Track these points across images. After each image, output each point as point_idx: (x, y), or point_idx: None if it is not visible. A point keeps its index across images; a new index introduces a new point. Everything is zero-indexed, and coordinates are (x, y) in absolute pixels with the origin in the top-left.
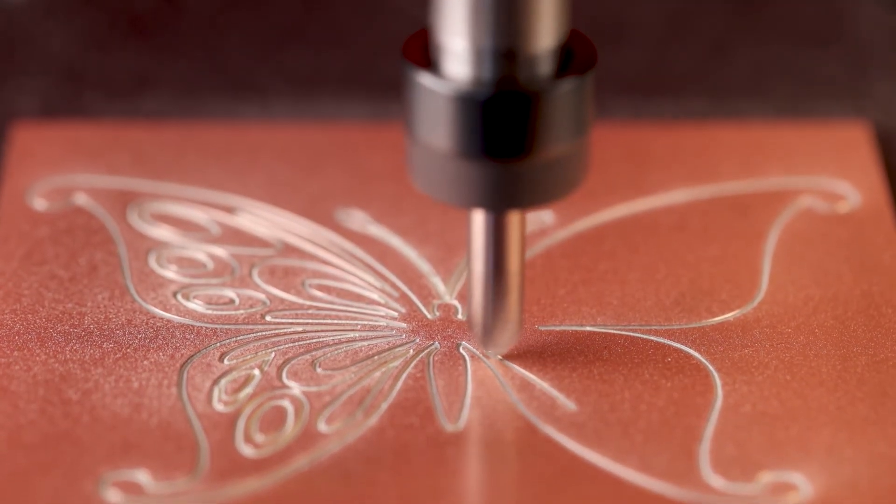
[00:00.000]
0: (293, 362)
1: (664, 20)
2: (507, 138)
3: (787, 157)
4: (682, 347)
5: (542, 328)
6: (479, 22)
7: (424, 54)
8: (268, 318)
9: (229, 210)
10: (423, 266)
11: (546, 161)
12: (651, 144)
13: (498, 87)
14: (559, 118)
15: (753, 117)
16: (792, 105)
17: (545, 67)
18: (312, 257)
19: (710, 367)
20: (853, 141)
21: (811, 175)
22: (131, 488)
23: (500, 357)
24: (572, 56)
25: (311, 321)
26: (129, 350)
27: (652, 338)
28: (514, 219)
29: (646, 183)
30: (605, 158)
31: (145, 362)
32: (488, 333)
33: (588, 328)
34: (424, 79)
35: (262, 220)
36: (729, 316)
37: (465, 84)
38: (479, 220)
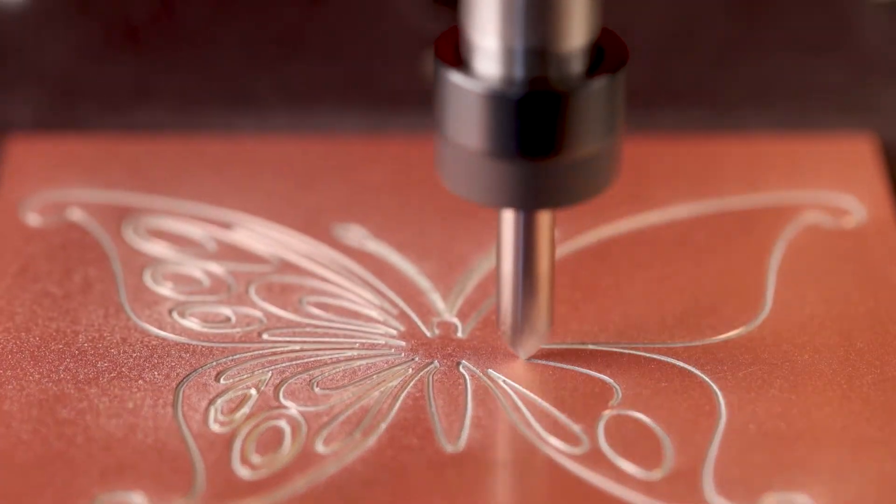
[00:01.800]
0: (290, 382)
1: (666, 31)
2: (539, 137)
3: (792, 171)
4: (686, 366)
5: (543, 346)
6: (511, 21)
7: (456, 53)
8: (265, 336)
9: (226, 225)
10: (423, 282)
11: (577, 160)
12: (653, 158)
13: (530, 85)
14: (590, 117)
15: (757, 130)
16: (796, 117)
17: (576, 66)
18: (310, 274)
19: (714, 387)
20: (858, 154)
21: (816, 189)
22: None
23: (527, 358)
24: (604, 54)
25: (308, 339)
26: (123, 369)
27: (654, 356)
28: (544, 218)
29: (648, 197)
30: None
31: (140, 381)
32: (517, 334)
33: (590, 346)
34: (456, 77)
35: (259, 235)
36: (733, 334)
37: (496, 83)
38: (509, 219)
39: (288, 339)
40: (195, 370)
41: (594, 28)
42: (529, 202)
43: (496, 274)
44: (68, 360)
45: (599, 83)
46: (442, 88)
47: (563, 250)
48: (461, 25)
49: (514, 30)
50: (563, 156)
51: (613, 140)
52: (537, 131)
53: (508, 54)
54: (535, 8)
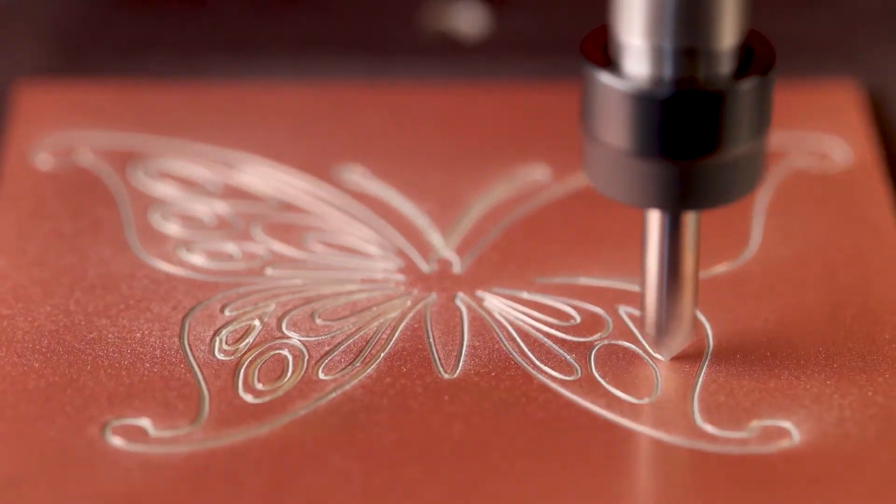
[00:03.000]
0: (293, 313)
1: None
2: (687, 138)
3: (778, 117)
4: None
5: (539, 280)
6: (661, 21)
7: (604, 52)
8: (268, 271)
9: (230, 167)
10: (421, 221)
11: (724, 161)
12: None
13: (678, 86)
14: (739, 118)
15: None
16: (782, 66)
17: (726, 67)
18: (312, 213)
19: (702, 318)
20: (844, 99)
21: (802, 132)
22: (134, 434)
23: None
24: (752, 55)
25: (310, 273)
26: (131, 302)
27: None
28: (689, 219)
29: None
30: None
31: (147, 314)
32: (661, 335)
33: (582, 280)
34: (604, 77)
35: (263, 176)
36: (720, 268)
37: (645, 83)
38: (654, 219)
39: (290, 273)
40: (200, 303)
41: (743, 28)
42: (675, 203)
43: (640, 273)
44: (78, 293)
45: (748, 84)
46: (590, 88)
47: (555, 192)
48: (609, 25)
49: (664, 29)
50: (710, 158)
51: (760, 141)
52: (684, 132)
53: (657, 54)
54: (687, 8)
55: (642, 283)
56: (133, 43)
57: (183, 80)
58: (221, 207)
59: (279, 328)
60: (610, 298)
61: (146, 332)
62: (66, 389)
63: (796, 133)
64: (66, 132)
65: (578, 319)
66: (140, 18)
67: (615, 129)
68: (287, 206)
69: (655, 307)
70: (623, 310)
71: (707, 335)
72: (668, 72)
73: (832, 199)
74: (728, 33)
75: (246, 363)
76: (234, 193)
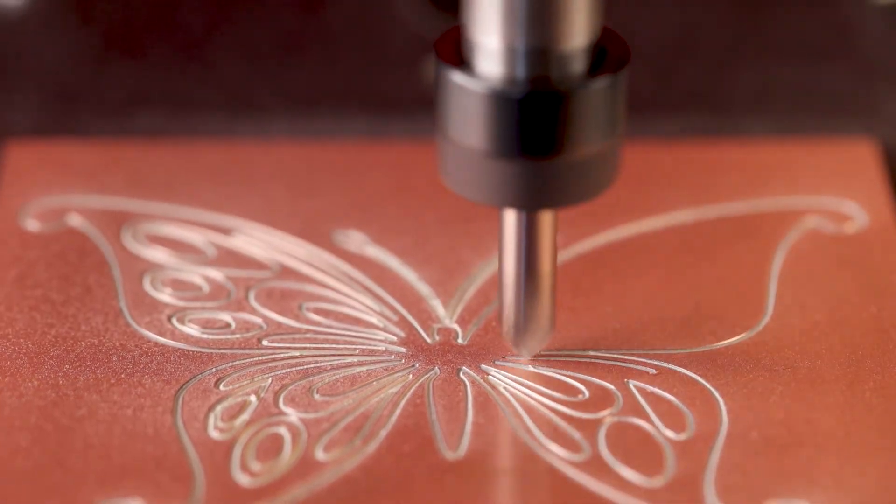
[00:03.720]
0: (290, 388)
1: (667, 37)
2: (540, 137)
3: (793, 176)
4: (687, 373)
5: (546, 352)
6: (512, 20)
7: (457, 52)
8: (264, 342)
9: (225, 231)
10: (423, 289)
11: (579, 160)
12: (654, 163)
13: (531, 85)
14: (592, 117)
15: (758, 135)
16: (798, 122)
17: (578, 66)
18: (310, 280)
19: (715, 393)
20: (860, 159)
21: (817, 194)
22: None
23: (529, 359)
24: (606, 54)
25: (308, 346)
26: (123, 375)
27: (656, 363)
28: (546, 218)
29: (649, 202)
30: None
31: (139, 388)
32: (520, 334)
33: (591, 353)
34: (458, 77)
35: (259, 241)
36: (734, 340)
37: (498, 82)
38: (511, 219)
39: (288, 345)
40: (194, 377)
41: (596, 27)
42: (531, 202)
43: (498, 273)
44: (67, 366)
45: (601, 83)
46: (443, 88)
47: (564, 256)
48: (462, 25)
49: (515, 29)
50: (564, 156)
51: (615, 140)
52: (539, 131)
53: (510, 54)
54: (537, 7)
55: (500, 284)
56: (125, 99)
57: (176, 138)
58: (216, 274)
59: (276, 404)
60: (620, 372)
61: (138, 408)
62: (54, 470)
63: (811, 196)
64: (56, 194)
65: (587, 395)
66: (131, 74)
67: (470, 129)
68: (284, 273)
69: (513, 307)
70: (633, 384)
71: (721, 411)
72: (520, 71)
73: (848, 263)
74: (579, 32)
75: (242, 441)
76: (229, 259)
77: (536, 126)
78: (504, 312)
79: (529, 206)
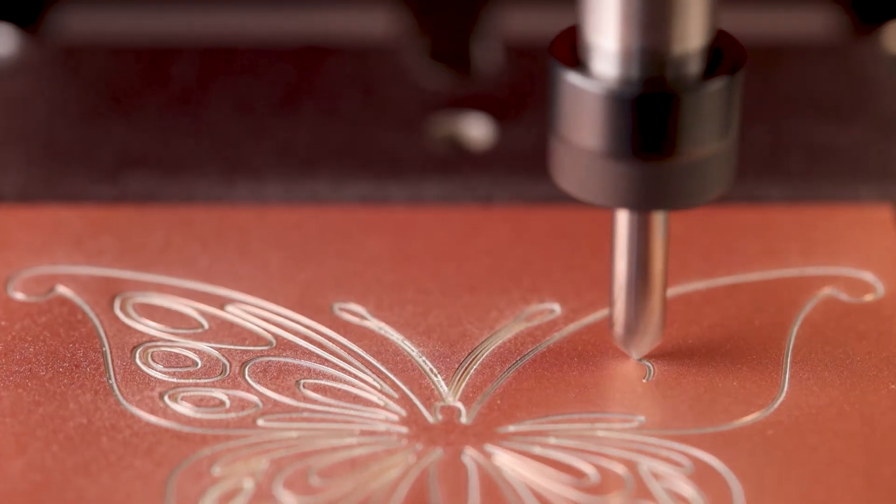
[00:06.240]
0: (287, 471)
1: None
2: (654, 138)
3: (809, 243)
4: (699, 454)
5: (553, 432)
6: (629, 22)
7: (572, 53)
8: (260, 422)
9: (219, 303)
10: (425, 364)
11: (692, 162)
12: None
13: (646, 86)
14: (705, 118)
15: (772, 200)
16: (813, 186)
17: (693, 67)
18: (308, 354)
19: (730, 477)
20: (878, 225)
21: (834, 263)
22: None
23: (640, 359)
24: (721, 56)
25: (305, 426)
26: (113, 458)
27: (666, 443)
28: (658, 219)
29: None
30: None
31: (130, 471)
32: (630, 335)
33: (599, 433)
34: (573, 77)
35: (255, 313)
36: (749, 419)
37: (613, 83)
38: (623, 219)
39: (285, 424)
40: (187, 458)
41: (710, 30)
42: (643, 202)
43: (609, 273)
44: (55, 447)
45: (715, 84)
46: (558, 89)
47: (569, 329)
48: (578, 26)
49: (631, 31)
50: (677, 157)
51: (728, 143)
52: (652, 132)
53: (625, 55)
54: (653, 9)
55: (612, 284)
56: (116, 161)
57: (169, 202)
58: (209, 348)
59: (272, 488)
60: (629, 453)
61: (129, 493)
62: None
63: (828, 266)
64: (44, 262)
65: (596, 478)
66: (123, 136)
67: (583, 129)
68: (280, 347)
69: (624, 307)
70: (644, 466)
71: (734, 496)
72: (635, 72)
73: (866, 335)
74: (694, 34)
75: None
76: (223, 332)
77: (650, 127)
78: (615, 313)
79: (642, 207)
